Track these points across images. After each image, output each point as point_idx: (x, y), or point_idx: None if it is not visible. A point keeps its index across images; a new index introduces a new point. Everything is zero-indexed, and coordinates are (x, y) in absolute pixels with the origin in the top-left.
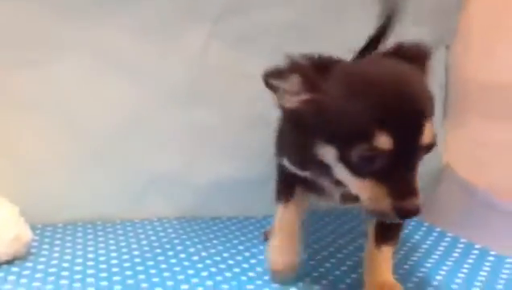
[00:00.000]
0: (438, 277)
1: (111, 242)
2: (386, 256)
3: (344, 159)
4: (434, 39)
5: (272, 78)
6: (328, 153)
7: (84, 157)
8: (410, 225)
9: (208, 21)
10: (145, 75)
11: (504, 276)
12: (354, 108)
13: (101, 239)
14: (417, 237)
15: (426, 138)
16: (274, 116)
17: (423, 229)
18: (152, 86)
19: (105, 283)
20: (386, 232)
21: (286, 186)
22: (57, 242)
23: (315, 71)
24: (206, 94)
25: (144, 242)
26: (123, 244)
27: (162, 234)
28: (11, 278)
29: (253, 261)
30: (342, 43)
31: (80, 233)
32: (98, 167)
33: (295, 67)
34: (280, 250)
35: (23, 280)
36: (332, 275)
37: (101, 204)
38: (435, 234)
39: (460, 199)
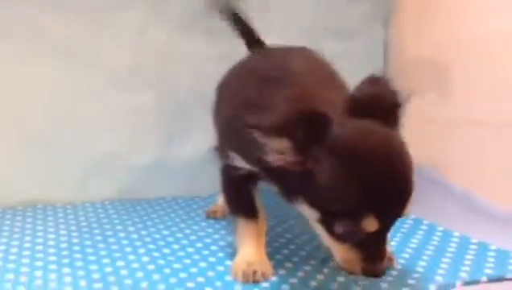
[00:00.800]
0: None
1: (50, 225)
2: None
3: (325, 224)
4: (371, 15)
5: (260, 133)
6: (309, 212)
7: (22, 140)
8: None
9: (145, 1)
10: (82, 57)
11: (434, 243)
12: (345, 187)
13: (39, 223)
14: None
15: (405, 211)
16: (212, 96)
17: None
18: (89, 68)
19: (39, 272)
20: None
21: (241, 195)
22: None
23: (307, 135)
24: (144, 76)
25: (84, 224)
26: (62, 227)
27: (103, 216)
28: None
29: (193, 237)
30: None
31: (19, 217)
32: (37, 151)
33: (285, 129)
34: (247, 265)
35: None
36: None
37: (42, 188)
38: None
39: None
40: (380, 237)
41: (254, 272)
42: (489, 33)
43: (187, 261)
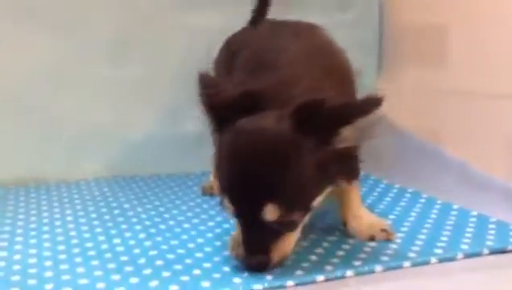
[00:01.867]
0: None
1: (43, 203)
2: (356, 190)
3: None
4: None
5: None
6: None
7: (12, 116)
8: None
9: None
10: (70, 27)
11: (433, 216)
12: (219, 169)
13: (33, 201)
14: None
15: (268, 216)
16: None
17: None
18: (78, 40)
19: (33, 250)
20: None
21: None
22: None
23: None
24: (137, 48)
25: (78, 202)
26: (56, 205)
27: (97, 193)
28: None
29: (189, 214)
30: None
31: (11, 195)
32: (29, 127)
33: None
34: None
35: None
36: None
37: (34, 165)
38: (370, 182)
39: (395, 146)
40: (249, 231)
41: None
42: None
43: (185, 237)
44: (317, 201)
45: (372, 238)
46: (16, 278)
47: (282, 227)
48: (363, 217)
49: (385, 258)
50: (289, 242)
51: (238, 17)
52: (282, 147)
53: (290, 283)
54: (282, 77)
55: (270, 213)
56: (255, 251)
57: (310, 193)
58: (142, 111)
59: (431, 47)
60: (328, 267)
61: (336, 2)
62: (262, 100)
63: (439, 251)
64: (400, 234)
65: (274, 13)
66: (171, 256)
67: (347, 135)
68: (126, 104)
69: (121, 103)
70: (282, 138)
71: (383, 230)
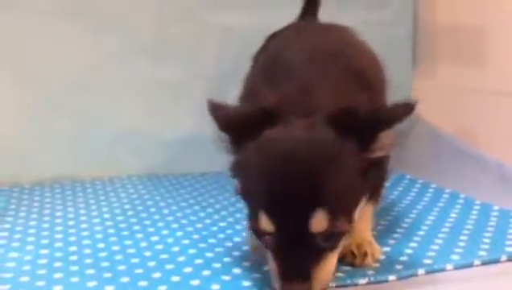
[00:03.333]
0: (408, 220)
1: (80, 200)
2: (364, 216)
3: (249, 221)
4: None
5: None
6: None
7: (50, 116)
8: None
9: None
10: (104, 25)
11: (473, 217)
12: (249, 187)
13: (69, 199)
14: (388, 184)
15: (317, 226)
16: (241, 69)
17: (395, 176)
18: (117, 37)
19: (73, 247)
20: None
21: None
22: (24, 202)
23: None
24: (170, 46)
25: (114, 200)
26: (92, 202)
27: (132, 191)
28: None
29: (223, 213)
30: None
31: (48, 193)
32: (64, 126)
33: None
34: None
35: None
36: None
37: (70, 164)
38: (405, 181)
39: (431, 146)
40: (291, 251)
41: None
42: None
43: (222, 235)
44: (358, 211)
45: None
46: (58, 275)
47: (328, 242)
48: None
49: (427, 261)
50: (331, 265)
51: (277, 16)
52: (323, 152)
53: None
54: (300, 85)
55: (319, 221)
56: (295, 277)
57: (354, 199)
58: (178, 111)
59: (468, 46)
60: (370, 272)
61: (371, 0)
62: (280, 112)
63: (482, 253)
64: (441, 235)
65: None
66: (209, 255)
67: (384, 141)
68: (162, 103)
69: (157, 103)
70: (322, 143)
71: (353, 254)
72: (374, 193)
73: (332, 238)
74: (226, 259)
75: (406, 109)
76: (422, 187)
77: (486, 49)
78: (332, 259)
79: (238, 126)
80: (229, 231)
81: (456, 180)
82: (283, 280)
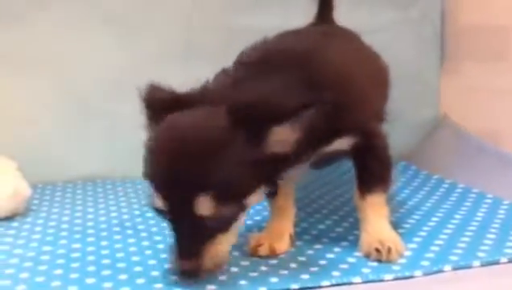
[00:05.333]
0: (434, 219)
1: (111, 197)
2: (374, 206)
3: None
4: None
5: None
6: None
7: (81, 116)
8: (407, 173)
9: None
10: (137, 30)
11: (500, 216)
12: (147, 166)
13: (100, 196)
14: (415, 184)
15: (201, 209)
16: None
17: (421, 176)
18: (145, 42)
19: (105, 242)
20: (369, 177)
21: None
22: (57, 199)
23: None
24: (202, 51)
25: (143, 197)
26: (122, 199)
27: None
28: (11, 232)
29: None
30: None
31: (79, 190)
32: (96, 125)
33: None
34: (261, 239)
35: (23, 233)
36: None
37: (99, 162)
38: (433, 181)
39: (457, 146)
40: (179, 230)
41: (258, 246)
42: None
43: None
44: (251, 200)
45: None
46: (92, 268)
47: (216, 224)
48: (370, 231)
49: (454, 258)
50: (222, 246)
51: (301, 17)
52: (210, 139)
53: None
54: (233, 80)
55: (203, 205)
56: (186, 255)
57: (242, 188)
58: None
59: (494, 46)
60: (396, 267)
61: (399, 2)
62: (196, 100)
63: (509, 251)
64: (468, 233)
65: (341, 10)
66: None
67: (281, 136)
68: None
69: None
70: (212, 129)
71: (377, 250)
72: (379, 181)
73: (221, 221)
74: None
75: (307, 109)
76: (449, 187)
77: (508, 48)
78: (224, 240)
79: (154, 106)
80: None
81: (483, 180)
82: (178, 256)
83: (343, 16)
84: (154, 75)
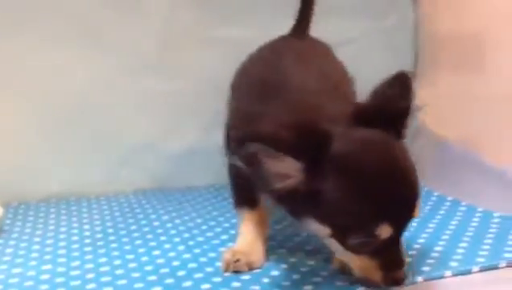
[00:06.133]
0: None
1: (84, 216)
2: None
3: (338, 238)
4: None
5: (260, 157)
6: (319, 229)
7: (55, 132)
8: None
9: None
10: (110, 43)
11: (474, 224)
12: (356, 201)
13: (74, 214)
14: None
15: (416, 211)
16: None
17: None
18: (119, 55)
19: (76, 262)
20: None
21: (247, 190)
22: (30, 218)
23: (314, 154)
24: (175, 63)
25: (117, 214)
26: (97, 217)
27: (136, 206)
28: None
29: (226, 225)
30: None
31: (53, 209)
32: (70, 142)
33: (289, 147)
34: (238, 254)
35: None
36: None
37: (74, 179)
38: None
39: (434, 154)
40: (394, 243)
41: (237, 261)
42: None
43: (223, 249)
44: None
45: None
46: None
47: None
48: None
49: (426, 269)
50: None
51: (274, 28)
52: (405, 150)
53: None
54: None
55: (417, 212)
56: (403, 265)
57: None
58: (181, 124)
59: (468, 53)
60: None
61: (372, 9)
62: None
63: (481, 260)
64: (441, 242)
65: (314, 21)
66: (209, 269)
67: None
68: (165, 117)
69: (160, 116)
70: (397, 143)
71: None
72: None
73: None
74: (227, 274)
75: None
76: (425, 195)
77: (487, 55)
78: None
79: (307, 148)
80: (231, 244)
81: (459, 188)
82: (387, 270)
83: (317, 27)
84: (128, 88)
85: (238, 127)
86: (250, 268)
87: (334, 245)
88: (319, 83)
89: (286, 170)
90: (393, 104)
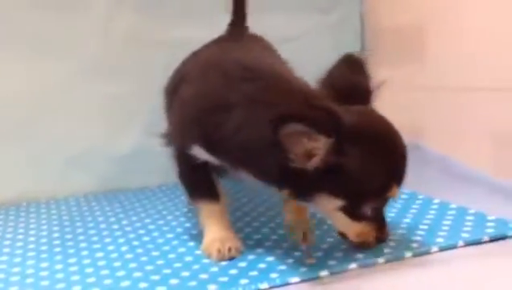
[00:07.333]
0: None
1: (32, 221)
2: None
3: (348, 209)
4: None
5: (290, 132)
6: (330, 203)
7: (4, 139)
8: None
9: None
10: (54, 48)
11: (413, 211)
12: (375, 170)
13: (21, 220)
14: None
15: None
16: None
17: None
18: (60, 60)
19: (17, 268)
20: None
21: (201, 179)
22: None
23: (336, 131)
24: (122, 65)
25: (66, 218)
26: (44, 222)
27: (85, 209)
28: None
29: (174, 223)
30: None
31: (1, 215)
32: (18, 148)
33: (322, 126)
34: (221, 242)
35: None
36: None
37: (24, 184)
38: None
39: None
40: (384, 207)
41: (229, 249)
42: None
43: (166, 247)
44: None
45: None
46: None
47: None
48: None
49: (360, 256)
50: None
51: (217, 27)
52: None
53: (295, 279)
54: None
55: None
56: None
57: None
58: (128, 125)
59: (410, 46)
60: (332, 262)
61: (317, 5)
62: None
63: (414, 245)
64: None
65: (255, 17)
66: (149, 267)
67: None
68: (112, 120)
69: (107, 119)
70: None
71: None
72: None
73: None
74: (166, 271)
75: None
76: None
77: (426, 48)
78: None
79: (334, 126)
80: (175, 242)
81: (429, 187)
82: (379, 232)
83: (261, 23)
84: (74, 91)
85: (203, 117)
86: (238, 253)
87: (338, 217)
88: (283, 69)
89: (316, 147)
90: (358, 83)
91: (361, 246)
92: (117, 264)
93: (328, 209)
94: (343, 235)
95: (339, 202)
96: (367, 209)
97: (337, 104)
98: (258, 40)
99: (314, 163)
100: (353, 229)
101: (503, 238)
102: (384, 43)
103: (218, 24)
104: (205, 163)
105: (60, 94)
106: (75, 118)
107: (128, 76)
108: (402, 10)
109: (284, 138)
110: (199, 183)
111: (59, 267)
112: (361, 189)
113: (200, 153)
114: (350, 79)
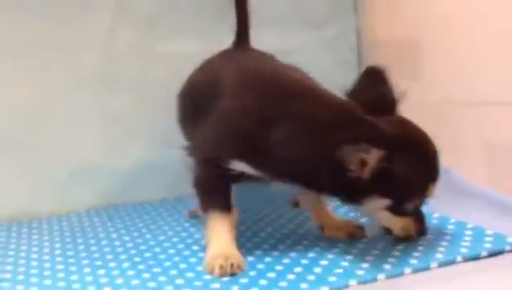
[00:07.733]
0: None
1: (34, 237)
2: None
3: (394, 207)
4: (341, 2)
5: (352, 150)
6: (378, 203)
7: (2, 153)
8: None
9: (112, 3)
10: (53, 58)
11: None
12: (418, 173)
13: (24, 237)
14: None
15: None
16: None
17: None
18: (63, 73)
19: (20, 286)
20: None
21: (219, 190)
22: None
23: (387, 142)
24: (119, 78)
25: (67, 234)
26: (46, 239)
27: (87, 224)
28: None
29: (175, 239)
30: None
31: (4, 232)
32: (17, 164)
33: (376, 141)
34: (224, 258)
35: None
36: None
37: (25, 200)
38: None
39: None
40: (422, 204)
41: (231, 265)
42: (457, 13)
43: (168, 263)
44: None
45: (351, 235)
46: None
47: None
48: (336, 218)
49: (360, 272)
50: None
51: (218, 42)
52: None
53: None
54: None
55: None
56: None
57: None
58: (129, 140)
59: (407, 60)
60: (332, 278)
61: (314, 20)
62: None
63: (413, 262)
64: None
65: (251, 33)
66: (152, 284)
67: None
68: (113, 134)
69: (108, 133)
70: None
71: (359, 227)
72: None
73: None
74: (168, 288)
75: None
76: None
77: (421, 61)
78: None
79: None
80: (177, 259)
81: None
82: (420, 224)
83: (258, 38)
84: (76, 104)
85: (249, 131)
86: (240, 270)
87: (384, 214)
88: (312, 82)
89: (369, 158)
90: (384, 93)
91: (405, 239)
92: (119, 281)
93: (376, 209)
94: (388, 230)
95: (386, 202)
96: (409, 207)
97: (370, 115)
98: (271, 56)
99: (368, 171)
100: (398, 224)
101: (501, 252)
102: (380, 58)
103: (219, 39)
104: (228, 174)
105: (61, 108)
106: (75, 133)
107: (130, 90)
108: (399, 24)
109: (346, 156)
110: (215, 192)
111: (61, 284)
112: (406, 190)
113: (238, 166)
114: (376, 90)
